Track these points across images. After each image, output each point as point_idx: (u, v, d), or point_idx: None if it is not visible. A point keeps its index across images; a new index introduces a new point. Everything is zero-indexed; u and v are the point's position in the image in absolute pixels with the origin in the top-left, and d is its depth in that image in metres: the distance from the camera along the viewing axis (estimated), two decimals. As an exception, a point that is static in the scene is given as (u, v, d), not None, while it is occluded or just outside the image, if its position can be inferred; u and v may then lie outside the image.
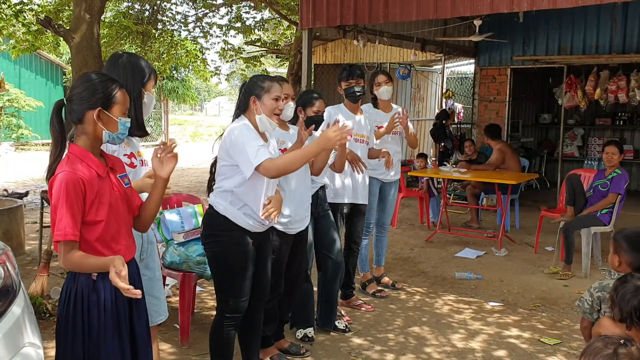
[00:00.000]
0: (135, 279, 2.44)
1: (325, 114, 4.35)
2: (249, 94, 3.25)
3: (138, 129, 2.91)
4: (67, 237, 2.17)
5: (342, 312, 4.69)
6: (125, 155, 2.90)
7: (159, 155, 2.36)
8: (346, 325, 4.48)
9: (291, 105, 3.67)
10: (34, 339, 2.33)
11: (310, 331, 4.24)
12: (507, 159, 7.83)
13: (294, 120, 3.99)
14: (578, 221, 6.00)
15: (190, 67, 14.75)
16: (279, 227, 3.57)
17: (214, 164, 3.36)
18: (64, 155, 2.29)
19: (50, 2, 9.15)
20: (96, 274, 2.27)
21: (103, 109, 2.29)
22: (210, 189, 3.37)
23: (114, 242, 2.33)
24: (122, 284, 2.08)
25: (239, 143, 3.10)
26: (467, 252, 6.72)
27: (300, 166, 3.16)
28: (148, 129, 3.40)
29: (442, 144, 10.09)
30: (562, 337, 4.40)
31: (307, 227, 3.87)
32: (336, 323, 4.46)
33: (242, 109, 3.29)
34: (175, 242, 4.19)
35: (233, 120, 3.31)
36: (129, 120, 2.37)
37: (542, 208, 7.06)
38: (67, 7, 8.70)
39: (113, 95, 2.31)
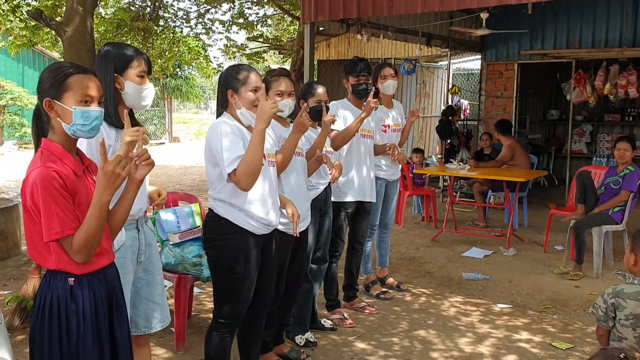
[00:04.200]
0: (115, 284, 2.27)
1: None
2: (226, 88, 3.07)
3: (109, 118, 2.68)
4: (64, 232, 2.01)
5: (345, 315, 4.53)
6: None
7: (136, 162, 2.16)
8: (332, 325, 4.38)
9: (288, 102, 3.51)
10: (1, 352, 2.15)
11: (310, 335, 4.08)
12: (516, 156, 7.65)
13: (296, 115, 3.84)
14: (589, 219, 5.81)
15: (193, 65, 14.63)
16: (280, 227, 3.41)
17: None
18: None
19: (48, -2, 9.01)
20: (73, 279, 2.10)
21: (53, 98, 2.09)
22: None
23: None
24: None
25: (215, 148, 2.95)
26: (474, 252, 6.54)
27: (258, 162, 2.90)
28: (151, 128, 3.09)
29: (449, 141, 9.91)
30: (575, 341, 4.22)
31: (307, 227, 3.72)
32: (322, 322, 4.35)
33: (222, 104, 3.12)
34: (171, 242, 4.03)
35: (217, 117, 3.14)
36: (93, 109, 2.13)
37: (551, 206, 6.88)
38: (64, 3, 8.56)
39: (62, 82, 2.09)
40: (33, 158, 2.11)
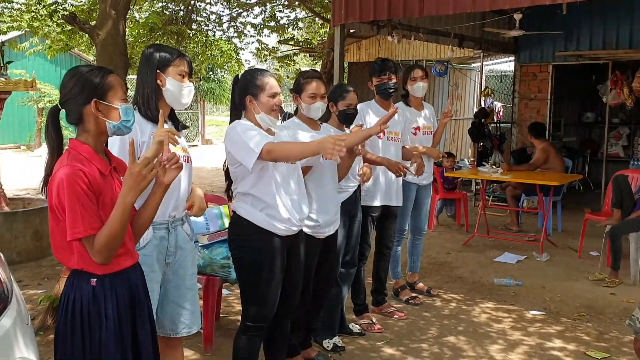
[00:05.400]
0: (138, 285, 2.27)
1: None
2: (245, 94, 3.09)
3: (149, 114, 2.77)
4: (87, 232, 2.02)
5: (374, 320, 4.48)
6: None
7: (165, 166, 2.17)
8: (360, 329, 4.33)
9: (319, 105, 3.49)
10: (27, 353, 2.16)
11: (338, 340, 4.05)
12: (550, 159, 7.50)
13: (326, 117, 3.82)
14: (626, 225, 5.66)
15: (226, 68, 14.72)
16: (307, 230, 3.40)
17: (227, 170, 3.19)
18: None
19: (84, 3, 9.16)
20: (95, 279, 2.12)
21: (99, 99, 2.15)
22: (229, 195, 3.22)
23: None
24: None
25: (237, 140, 2.98)
26: (506, 257, 6.43)
27: (295, 159, 3.06)
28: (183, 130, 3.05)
29: (481, 143, 9.78)
30: (610, 350, 4.10)
31: (336, 230, 3.69)
32: (350, 326, 4.31)
33: (240, 109, 3.14)
34: (200, 244, 4.05)
35: (231, 121, 3.16)
36: (130, 105, 2.22)
37: (586, 211, 6.72)
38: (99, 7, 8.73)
39: (104, 82, 2.16)
40: (60, 157, 2.14)
